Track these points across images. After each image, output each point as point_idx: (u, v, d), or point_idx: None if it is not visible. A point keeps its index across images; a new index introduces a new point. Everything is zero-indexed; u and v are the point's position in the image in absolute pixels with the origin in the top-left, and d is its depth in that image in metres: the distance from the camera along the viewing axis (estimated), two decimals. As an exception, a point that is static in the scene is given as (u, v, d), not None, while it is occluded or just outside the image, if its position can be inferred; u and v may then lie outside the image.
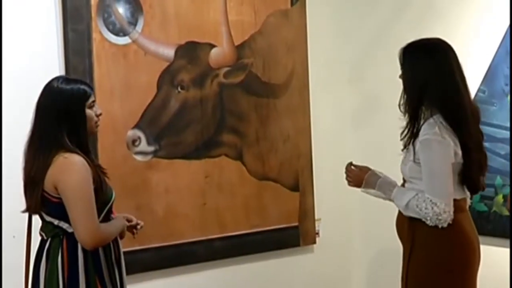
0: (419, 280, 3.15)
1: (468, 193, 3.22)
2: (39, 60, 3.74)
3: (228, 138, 4.35)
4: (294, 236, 4.63)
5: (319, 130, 4.71)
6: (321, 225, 4.76)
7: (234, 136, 4.37)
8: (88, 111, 3.07)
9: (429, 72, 3.09)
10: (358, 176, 3.33)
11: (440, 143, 3.03)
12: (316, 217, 4.72)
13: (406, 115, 3.16)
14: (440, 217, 3.01)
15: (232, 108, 4.36)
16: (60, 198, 2.95)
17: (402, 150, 3.22)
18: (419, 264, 3.14)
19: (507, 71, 3.97)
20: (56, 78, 3.14)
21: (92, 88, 3.14)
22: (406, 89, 3.18)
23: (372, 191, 3.32)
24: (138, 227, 3.36)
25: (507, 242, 3.72)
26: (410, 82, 3.15)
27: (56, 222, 3.01)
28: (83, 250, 2.98)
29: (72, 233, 2.97)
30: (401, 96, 3.20)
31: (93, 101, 3.11)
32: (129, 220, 3.32)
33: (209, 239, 4.29)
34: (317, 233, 4.75)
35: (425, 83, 3.09)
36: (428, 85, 3.08)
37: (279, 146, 4.55)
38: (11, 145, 3.60)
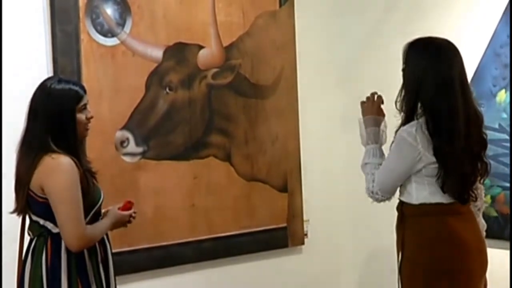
0: (409, 282, 3.15)
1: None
2: (27, 61, 3.73)
3: (217, 139, 4.35)
4: (282, 237, 4.63)
5: (307, 131, 4.71)
6: (309, 226, 4.76)
7: (223, 137, 4.37)
8: (78, 115, 3.03)
9: (425, 69, 3.04)
10: (369, 108, 3.42)
11: (409, 145, 3.05)
12: (304, 218, 4.72)
13: (402, 114, 3.15)
14: (371, 195, 3.24)
15: (221, 109, 4.36)
16: (45, 198, 2.94)
17: None
18: (410, 267, 3.14)
19: (495, 72, 4.00)
20: (50, 78, 3.12)
21: (85, 91, 3.10)
22: (404, 86, 3.15)
23: (362, 129, 3.41)
24: (134, 215, 3.31)
25: (497, 242, 3.74)
26: (408, 78, 3.12)
27: (41, 221, 3.00)
28: (67, 250, 2.97)
29: (57, 234, 2.96)
30: (398, 93, 3.17)
31: (85, 104, 3.06)
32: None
33: (198, 240, 4.28)
34: (306, 234, 4.75)
35: (421, 81, 3.05)
36: (422, 83, 3.05)
37: (267, 147, 4.55)
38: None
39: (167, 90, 4.16)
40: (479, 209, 3.29)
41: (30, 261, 3.02)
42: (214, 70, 4.32)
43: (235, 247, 4.43)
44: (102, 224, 3.12)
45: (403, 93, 3.14)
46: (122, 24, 4.01)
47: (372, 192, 3.22)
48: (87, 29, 3.88)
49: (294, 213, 4.67)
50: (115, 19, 3.99)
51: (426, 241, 3.10)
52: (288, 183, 4.64)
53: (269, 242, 4.58)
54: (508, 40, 3.93)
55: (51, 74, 3.75)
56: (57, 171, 2.92)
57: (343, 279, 4.98)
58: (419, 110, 3.11)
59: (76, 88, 3.06)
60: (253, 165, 4.49)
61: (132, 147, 4.04)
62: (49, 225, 2.98)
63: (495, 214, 3.97)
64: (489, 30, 4.01)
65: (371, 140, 3.35)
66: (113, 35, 3.98)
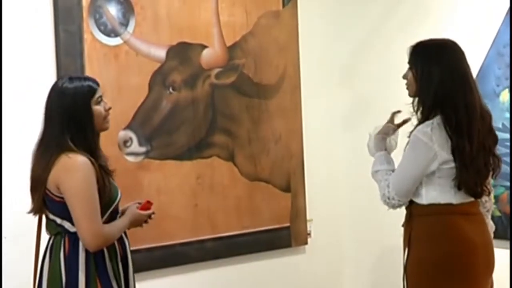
0: (415, 280, 3.14)
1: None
2: (30, 60, 3.73)
3: (220, 139, 4.35)
4: (285, 236, 4.64)
5: (310, 131, 4.71)
6: (312, 225, 4.76)
7: (226, 137, 4.37)
8: (95, 107, 3.02)
9: (445, 75, 3.06)
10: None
11: (424, 145, 3.04)
12: (307, 218, 4.72)
13: (419, 115, 3.14)
14: (387, 200, 3.17)
15: (224, 109, 4.36)
16: (62, 197, 2.93)
17: None
18: (416, 266, 3.13)
19: (498, 72, 4.00)
20: (61, 78, 3.11)
21: (98, 84, 3.09)
22: (420, 92, 3.13)
23: (371, 140, 3.38)
24: (153, 216, 3.29)
25: (500, 242, 3.74)
26: (425, 85, 3.10)
27: (58, 220, 2.99)
28: (85, 248, 2.95)
29: (74, 233, 2.95)
30: (413, 100, 3.17)
31: (100, 96, 3.06)
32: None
33: (201, 240, 4.28)
34: (309, 234, 4.75)
35: (441, 86, 3.06)
36: (443, 88, 3.06)
37: (270, 147, 4.55)
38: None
39: (170, 90, 4.16)
40: (488, 210, 3.29)
41: (48, 259, 3.00)
42: (218, 70, 4.33)
43: (238, 247, 4.43)
44: (120, 223, 3.10)
45: (420, 98, 3.14)
46: (125, 24, 4.01)
47: (388, 198, 3.17)
48: (90, 29, 3.89)
49: (297, 213, 4.68)
50: (118, 19, 3.99)
51: (433, 239, 3.09)
52: (291, 183, 4.64)
53: (272, 242, 4.58)
54: (512, 40, 3.93)
55: (54, 74, 3.76)
56: (73, 170, 2.91)
57: (347, 278, 4.98)
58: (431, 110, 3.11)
59: (89, 82, 3.05)
60: (256, 165, 4.49)
61: (135, 147, 4.04)
62: (66, 224, 2.97)
63: (498, 213, 3.97)
64: (492, 30, 4.01)
65: (378, 148, 3.33)
66: (116, 35, 3.98)
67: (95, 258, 2.98)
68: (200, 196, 4.27)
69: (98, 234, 2.92)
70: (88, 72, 3.84)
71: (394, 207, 3.20)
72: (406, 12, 4.52)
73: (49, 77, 3.74)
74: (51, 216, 3.01)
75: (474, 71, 3.95)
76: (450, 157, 3.04)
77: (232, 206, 4.40)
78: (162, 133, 4.13)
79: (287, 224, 4.64)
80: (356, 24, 4.84)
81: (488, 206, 3.29)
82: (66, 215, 2.95)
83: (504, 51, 3.97)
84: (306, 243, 4.74)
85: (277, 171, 4.58)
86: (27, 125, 3.64)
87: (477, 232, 3.14)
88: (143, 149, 4.08)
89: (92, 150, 3.00)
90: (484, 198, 3.23)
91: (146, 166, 4.08)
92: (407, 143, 3.17)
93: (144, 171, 4.08)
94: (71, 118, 2.97)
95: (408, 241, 3.17)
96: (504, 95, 3.97)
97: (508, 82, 3.96)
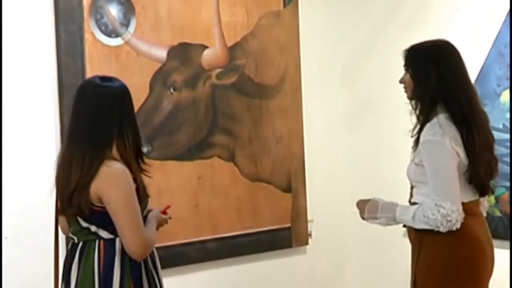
0: (425, 284, 3.11)
1: (479, 197, 3.16)
2: (31, 60, 3.73)
3: (221, 139, 4.35)
4: (286, 237, 4.63)
5: (311, 131, 4.71)
6: (313, 226, 4.76)
7: (227, 137, 4.37)
8: None
9: (443, 72, 3.07)
10: (364, 205, 3.27)
11: (441, 144, 3.00)
12: (308, 218, 4.72)
13: (418, 113, 3.13)
14: (449, 218, 2.94)
15: (225, 109, 4.36)
16: (103, 207, 2.87)
17: (412, 148, 3.19)
18: (426, 269, 3.10)
19: (499, 72, 3.99)
20: (94, 77, 3.03)
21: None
22: (419, 90, 3.12)
23: (377, 217, 3.24)
24: (169, 221, 3.29)
25: (500, 242, 3.74)
26: (424, 83, 3.10)
27: (93, 228, 2.92)
28: (121, 253, 2.91)
29: (109, 239, 2.91)
30: (411, 103, 3.17)
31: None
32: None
33: (202, 240, 4.28)
34: (310, 234, 4.74)
35: (440, 83, 3.06)
36: (443, 84, 3.06)
37: (271, 147, 4.55)
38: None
39: (171, 90, 4.16)
40: (484, 209, 3.30)
41: (77, 264, 2.94)
42: (218, 70, 4.33)
43: (239, 247, 4.43)
44: (153, 227, 3.06)
45: (418, 102, 3.14)
46: (126, 24, 4.01)
47: (447, 215, 2.94)
48: (91, 29, 3.89)
49: (298, 213, 4.67)
50: (119, 19, 3.99)
51: (444, 243, 3.04)
52: (292, 183, 4.64)
53: (273, 242, 4.58)
54: (513, 40, 3.93)
55: (55, 74, 3.76)
56: (115, 181, 2.86)
57: (347, 279, 4.98)
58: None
59: (123, 84, 3.03)
60: (257, 165, 4.49)
61: (136, 147, 4.04)
62: (103, 232, 2.92)
63: (499, 214, 3.97)
64: (493, 30, 4.01)
65: (391, 208, 3.18)
66: (117, 35, 3.98)
67: (130, 260, 2.92)
68: (201, 197, 4.28)
69: (144, 243, 2.88)
70: (89, 73, 3.84)
71: (457, 222, 2.96)
72: (407, 13, 4.52)
73: (49, 77, 3.75)
74: (85, 224, 2.93)
75: (475, 71, 3.98)
76: (463, 151, 3.04)
77: (233, 206, 4.40)
78: (162, 134, 4.13)
79: (288, 225, 4.64)
80: (357, 24, 4.84)
81: (486, 205, 3.30)
82: (103, 224, 2.90)
83: (505, 52, 3.96)
84: (307, 243, 4.74)
85: (278, 172, 4.58)
86: (27, 125, 3.65)
87: (483, 233, 3.14)
88: (144, 150, 4.05)
89: (139, 153, 3.00)
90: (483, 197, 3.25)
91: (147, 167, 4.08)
92: (413, 147, 3.15)
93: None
94: (127, 117, 2.95)
95: (419, 244, 3.14)
96: (505, 96, 3.97)
97: (509, 83, 3.95)
